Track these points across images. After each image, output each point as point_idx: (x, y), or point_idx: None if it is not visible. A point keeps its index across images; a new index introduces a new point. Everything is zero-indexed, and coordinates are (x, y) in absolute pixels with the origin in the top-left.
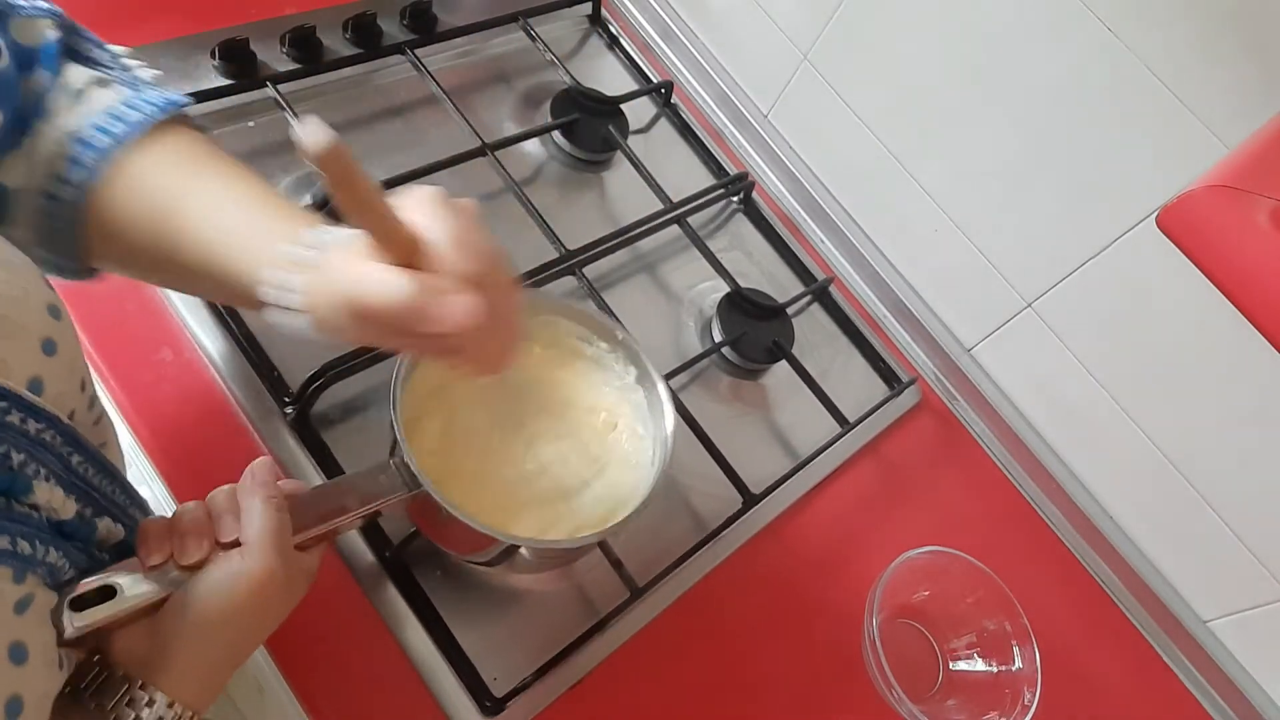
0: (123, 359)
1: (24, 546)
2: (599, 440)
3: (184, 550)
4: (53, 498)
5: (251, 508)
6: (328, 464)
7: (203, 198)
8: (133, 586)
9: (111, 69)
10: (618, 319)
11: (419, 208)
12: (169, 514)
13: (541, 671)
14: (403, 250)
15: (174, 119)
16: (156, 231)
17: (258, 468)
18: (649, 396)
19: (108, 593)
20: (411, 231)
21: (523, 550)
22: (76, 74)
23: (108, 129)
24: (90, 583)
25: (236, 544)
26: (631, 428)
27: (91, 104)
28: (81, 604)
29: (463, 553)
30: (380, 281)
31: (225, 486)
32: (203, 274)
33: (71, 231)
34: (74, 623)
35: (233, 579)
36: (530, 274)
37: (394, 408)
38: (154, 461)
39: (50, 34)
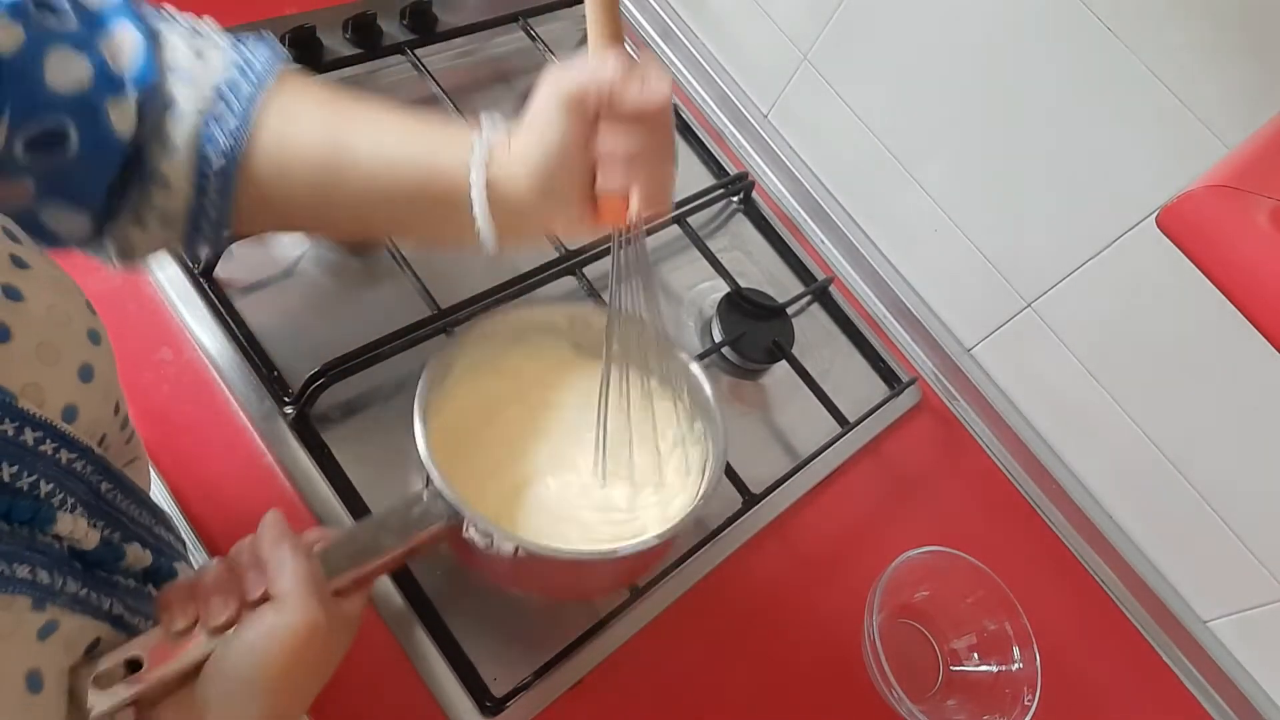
0: (123, 359)
1: (43, 576)
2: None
3: (209, 612)
4: (76, 528)
5: (279, 557)
6: (328, 464)
7: (362, 124)
8: (158, 655)
9: (199, 34)
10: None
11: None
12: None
13: (541, 671)
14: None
15: (288, 67)
16: (322, 170)
17: (273, 518)
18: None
19: (134, 666)
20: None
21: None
22: (173, 51)
23: (236, 89)
24: (113, 657)
25: (265, 599)
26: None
27: (210, 65)
28: (107, 680)
29: (521, 585)
30: (594, 64)
31: (245, 540)
32: (385, 198)
33: (227, 204)
34: (98, 703)
35: (268, 636)
36: (530, 274)
37: (420, 436)
38: (154, 462)
39: (136, 37)
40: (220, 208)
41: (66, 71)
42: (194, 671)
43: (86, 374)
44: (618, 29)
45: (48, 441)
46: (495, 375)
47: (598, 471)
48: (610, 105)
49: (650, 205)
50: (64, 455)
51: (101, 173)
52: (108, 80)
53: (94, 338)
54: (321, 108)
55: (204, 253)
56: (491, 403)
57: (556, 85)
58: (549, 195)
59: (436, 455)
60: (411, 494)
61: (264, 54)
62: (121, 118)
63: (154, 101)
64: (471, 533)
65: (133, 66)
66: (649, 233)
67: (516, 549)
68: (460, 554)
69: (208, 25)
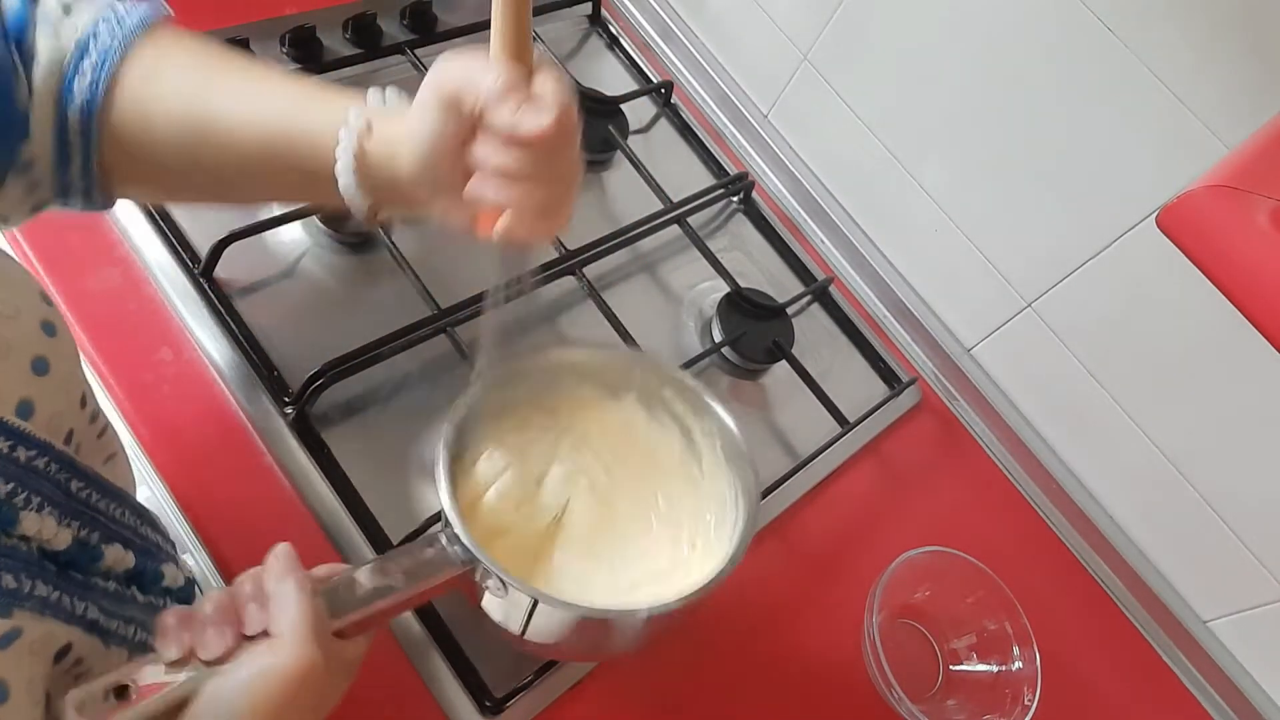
0: (123, 359)
1: (8, 581)
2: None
3: (204, 643)
4: (44, 528)
5: (283, 594)
6: (328, 464)
7: (235, 81)
8: (148, 684)
9: None
10: (618, 319)
11: (544, 69)
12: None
13: (541, 671)
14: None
15: (164, 23)
16: (189, 127)
17: (282, 551)
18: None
19: (121, 693)
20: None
21: (615, 626)
22: (44, 5)
23: (101, 36)
24: (100, 683)
25: (264, 634)
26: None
27: (77, 20)
28: (90, 706)
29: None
30: (478, 70)
31: (252, 571)
32: (252, 158)
33: (89, 151)
34: None
35: (262, 676)
36: (531, 275)
37: (440, 476)
38: (154, 462)
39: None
40: (83, 161)
41: None
42: (182, 705)
43: (41, 367)
44: (523, 44)
45: (1, 439)
46: (524, 413)
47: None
48: (485, 117)
49: (522, 229)
50: (21, 453)
51: (5, 149)
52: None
53: (48, 330)
54: (192, 65)
55: (80, 205)
56: (515, 436)
57: (438, 77)
58: (425, 181)
59: (459, 502)
60: (426, 535)
61: (139, 11)
62: (20, 86)
63: (26, 53)
64: (487, 582)
65: (10, 21)
66: (649, 234)
67: (535, 603)
68: (473, 600)
69: None
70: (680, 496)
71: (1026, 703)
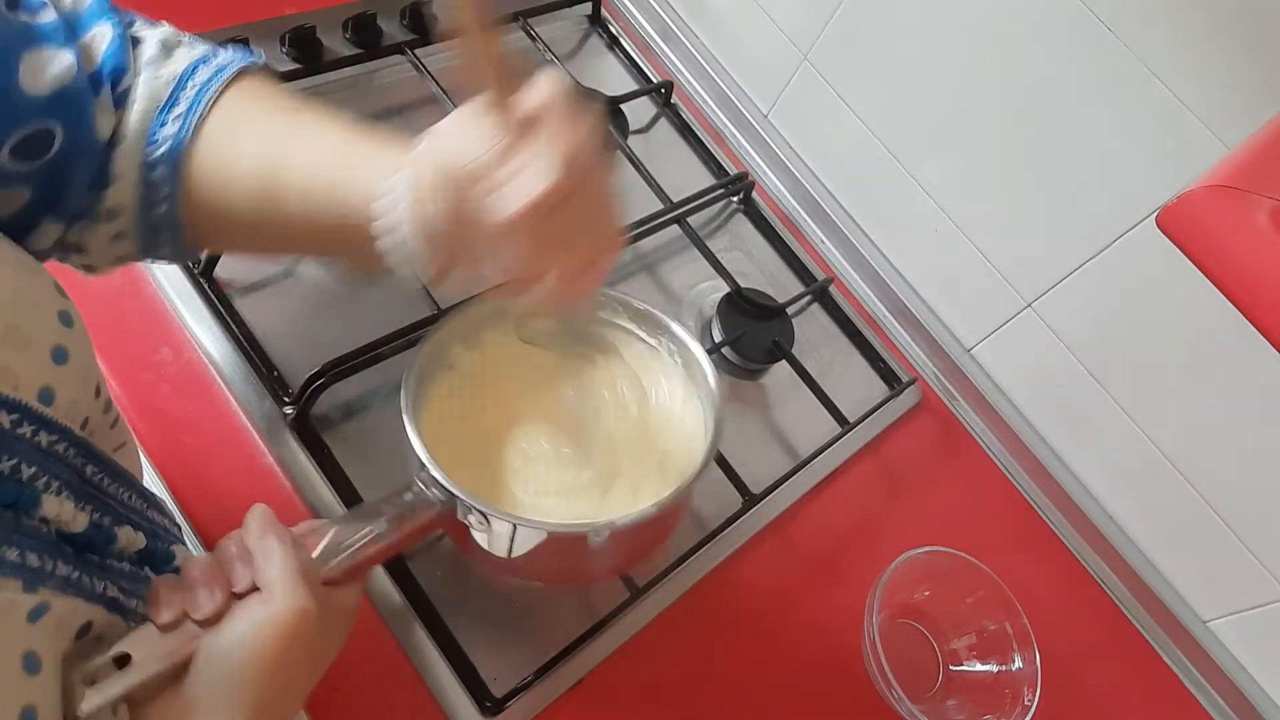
0: (123, 359)
1: (33, 559)
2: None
3: (195, 604)
4: (62, 511)
5: (265, 548)
6: (328, 464)
7: (304, 137)
8: (147, 651)
9: (177, 35)
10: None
11: (542, 86)
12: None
13: (541, 671)
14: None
15: (250, 72)
16: (261, 184)
17: (259, 510)
18: (689, 370)
19: (123, 662)
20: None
21: (593, 539)
22: (144, 46)
23: (198, 76)
24: (102, 654)
25: (254, 590)
26: (670, 396)
27: (176, 66)
28: (97, 676)
29: (524, 571)
30: (466, 146)
31: (234, 533)
32: (311, 220)
33: (174, 192)
34: (87, 700)
35: (256, 627)
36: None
37: (409, 424)
38: (154, 462)
39: (110, 37)
40: (169, 204)
41: (46, 70)
42: (185, 666)
43: (60, 356)
44: (501, 79)
45: (25, 424)
46: (483, 359)
47: (591, 446)
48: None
49: (567, 294)
50: (43, 438)
51: (82, 174)
52: (87, 76)
53: (66, 320)
54: (263, 122)
55: (167, 256)
56: (480, 387)
57: (433, 157)
58: (446, 258)
59: (428, 442)
60: (404, 481)
61: (229, 54)
62: (102, 114)
63: (121, 95)
64: (469, 518)
65: (104, 57)
66: (649, 234)
67: (514, 528)
68: (459, 542)
69: (187, 35)
70: (635, 415)
71: (1026, 703)
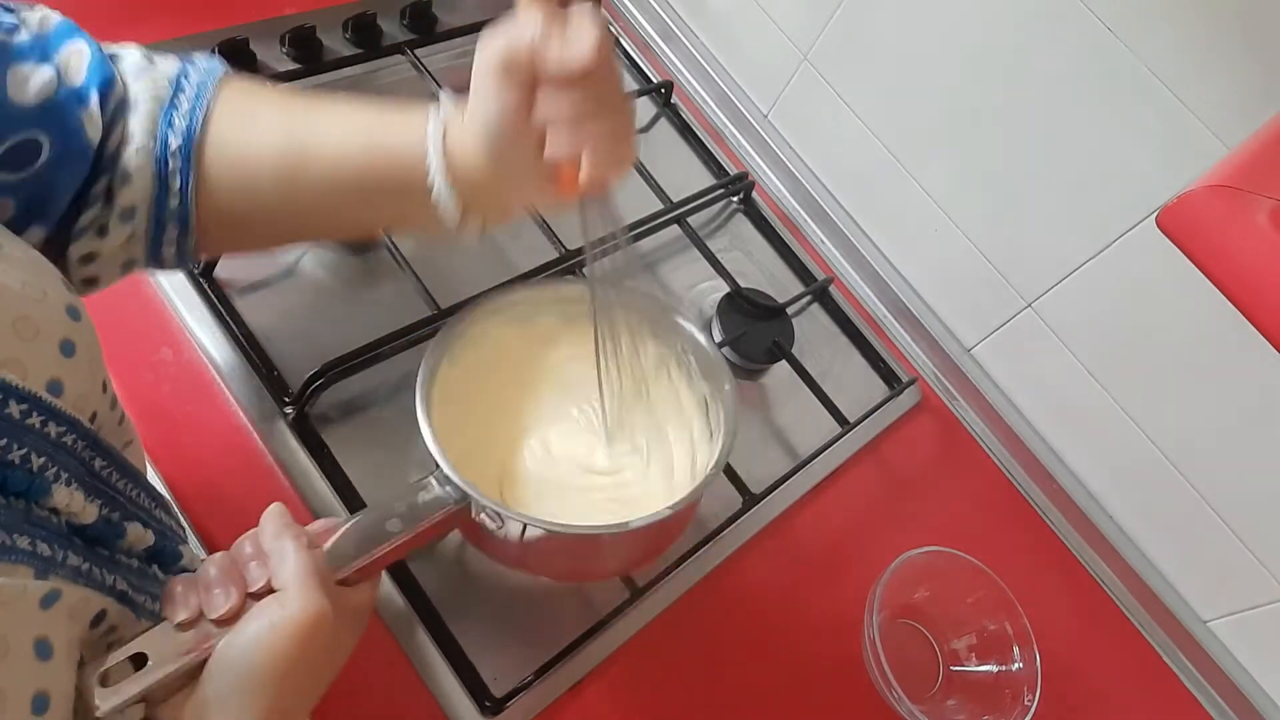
0: (123, 359)
1: (43, 548)
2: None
3: (211, 603)
4: (73, 501)
5: (281, 549)
6: (328, 464)
7: (318, 114)
8: (163, 651)
9: (146, 51)
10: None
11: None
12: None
13: (541, 671)
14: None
15: (232, 76)
16: (282, 162)
17: (275, 510)
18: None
19: (140, 661)
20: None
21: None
22: (124, 57)
23: (192, 76)
24: (118, 655)
25: (270, 592)
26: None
27: (164, 67)
28: (113, 677)
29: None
30: (515, 28)
31: (249, 532)
32: (348, 182)
33: (187, 197)
34: (105, 700)
35: (272, 629)
36: (531, 274)
37: (423, 423)
38: (153, 462)
39: (89, 53)
40: (181, 201)
41: (29, 83)
42: (201, 667)
43: (68, 349)
44: None
45: (34, 415)
46: (490, 354)
47: (600, 434)
48: (540, 69)
49: (603, 167)
50: (52, 429)
51: (69, 182)
52: (69, 86)
53: (73, 313)
54: (274, 103)
55: (170, 260)
56: (487, 381)
57: (484, 55)
58: (501, 167)
59: (442, 441)
60: (418, 480)
61: (208, 60)
62: (89, 121)
63: (112, 100)
64: (481, 516)
65: (89, 70)
66: (649, 234)
67: (525, 528)
68: (470, 536)
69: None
70: (646, 404)
71: (1026, 703)
